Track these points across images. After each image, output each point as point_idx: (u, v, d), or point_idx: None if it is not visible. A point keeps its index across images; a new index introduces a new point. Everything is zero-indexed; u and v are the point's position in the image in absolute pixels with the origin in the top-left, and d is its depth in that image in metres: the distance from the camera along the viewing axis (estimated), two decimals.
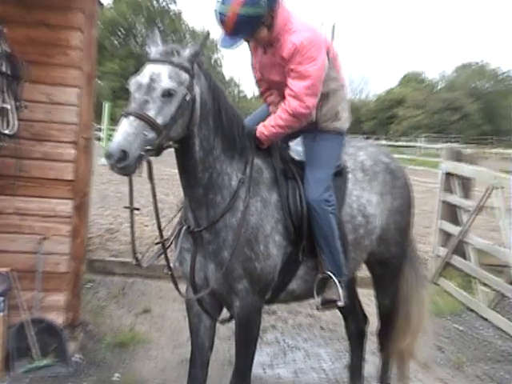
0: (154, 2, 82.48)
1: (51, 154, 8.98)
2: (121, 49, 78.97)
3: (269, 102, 7.07)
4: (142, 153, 5.47)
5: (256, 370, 8.47)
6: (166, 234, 6.61)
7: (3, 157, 8.63)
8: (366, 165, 7.30)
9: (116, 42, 78.18)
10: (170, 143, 5.79)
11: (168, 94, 5.68)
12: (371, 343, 8.25)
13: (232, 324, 6.57)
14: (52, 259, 8.99)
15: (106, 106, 40.85)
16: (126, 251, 13.43)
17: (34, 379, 8.26)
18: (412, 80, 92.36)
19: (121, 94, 64.50)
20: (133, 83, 5.71)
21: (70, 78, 9.01)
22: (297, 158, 6.82)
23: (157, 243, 6.73)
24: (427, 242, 14.53)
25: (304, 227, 6.51)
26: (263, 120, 6.73)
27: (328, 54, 6.59)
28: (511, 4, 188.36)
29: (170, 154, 6.13)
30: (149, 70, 5.75)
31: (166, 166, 20.80)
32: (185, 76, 5.79)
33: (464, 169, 13.49)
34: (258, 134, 6.60)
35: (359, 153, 7.38)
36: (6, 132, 8.34)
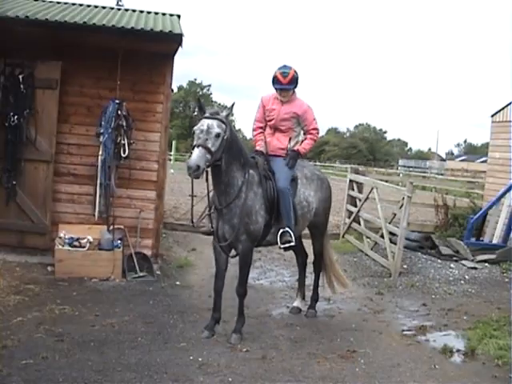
0: (198, 89, 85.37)
1: (145, 167, 9.50)
2: (182, 113, 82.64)
3: (257, 139, 7.42)
4: (204, 167, 6.03)
5: (249, 281, 8.63)
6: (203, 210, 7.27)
7: (122, 168, 9.19)
8: (308, 175, 7.55)
9: (180, 109, 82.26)
10: (215, 162, 6.20)
11: (217, 135, 6.14)
12: (309, 268, 8.23)
13: (236, 259, 6.91)
14: (145, 221, 9.53)
15: (173, 143, 47.73)
16: (183, 218, 13.53)
17: (136, 282, 8.82)
18: (332, 131, 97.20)
19: (182, 137, 73.81)
20: (197, 128, 6.16)
21: (155, 128, 9.47)
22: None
23: (201, 215, 7.34)
24: (340, 216, 14.78)
25: (275, 206, 6.82)
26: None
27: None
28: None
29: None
30: (205, 121, 6.16)
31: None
32: (223, 126, 6.22)
33: (359, 178, 14.02)
34: (301, 152, 7.27)
35: (304, 169, 7.59)
36: (123, 155, 8.97)
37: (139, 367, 5.65)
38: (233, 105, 6.63)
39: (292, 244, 6.96)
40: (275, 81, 7.14)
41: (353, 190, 14.03)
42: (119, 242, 9.04)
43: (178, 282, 9.07)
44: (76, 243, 8.87)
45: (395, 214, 11.78)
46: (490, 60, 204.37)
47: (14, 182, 9.03)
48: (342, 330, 7.39)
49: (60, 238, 8.92)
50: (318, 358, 6.31)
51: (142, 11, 10.70)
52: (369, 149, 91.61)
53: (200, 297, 8.34)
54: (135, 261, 9.05)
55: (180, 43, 8.67)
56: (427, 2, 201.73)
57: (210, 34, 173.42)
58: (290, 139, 7.32)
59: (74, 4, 10.59)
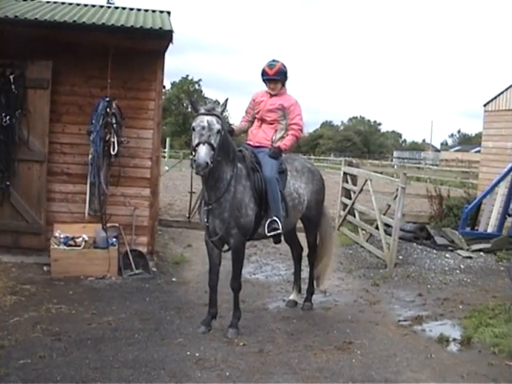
0: (190, 86, 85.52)
1: (139, 164, 9.51)
2: (175, 110, 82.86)
3: (243, 123, 7.57)
4: (210, 163, 6.03)
5: (245, 275, 9.11)
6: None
7: (114, 166, 9.15)
8: (298, 168, 7.55)
9: (173, 106, 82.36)
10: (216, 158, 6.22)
11: (218, 131, 6.17)
12: (304, 261, 8.28)
13: (229, 253, 6.91)
14: (140, 219, 9.52)
15: (167, 140, 48.02)
16: (178, 215, 13.61)
17: (132, 279, 8.82)
18: (326, 124, 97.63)
19: (176, 134, 74.86)
20: (197, 125, 6.15)
21: (148, 125, 9.47)
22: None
23: (192, 209, 7.16)
24: (335, 209, 14.51)
25: (263, 198, 6.82)
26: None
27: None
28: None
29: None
30: (204, 118, 6.16)
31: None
32: (220, 122, 6.24)
33: (353, 170, 14.03)
34: (282, 148, 7.18)
35: (294, 162, 7.62)
36: (113, 153, 8.94)
37: (136, 364, 5.67)
38: (226, 100, 6.61)
39: (279, 232, 6.94)
40: (263, 73, 7.28)
41: (347, 182, 14.03)
42: (114, 239, 9.04)
43: (174, 279, 9.09)
44: (71, 242, 8.88)
45: (390, 206, 11.86)
46: (482, 49, 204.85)
47: (8, 183, 9.00)
48: (338, 321, 7.40)
49: (55, 237, 8.93)
50: (314, 350, 6.33)
51: (132, 9, 10.69)
52: (363, 141, 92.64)
53: (196, 292, 8.34)
54: (131, 258, 9.05)
55: (170, 40, 8.68)
56: None
57: (202, 31, 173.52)
58: (275, 131, 7.33)
59: (63, 3, 10.58)
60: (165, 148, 43.16)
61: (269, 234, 6.97)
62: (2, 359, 5.56)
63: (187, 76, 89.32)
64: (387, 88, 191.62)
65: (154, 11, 10.51)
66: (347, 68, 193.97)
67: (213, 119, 6.20)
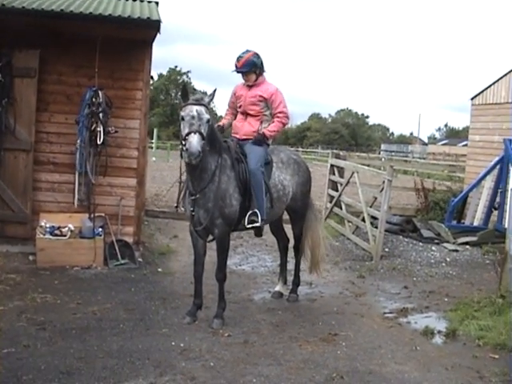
0: (178, 77, 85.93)
1: (125, 154, 9.47)
2: (163, 101, 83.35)
3: (227, 118, 7.57)
4: (201, 152, 6.03)
5: (231, 267, 9.19)
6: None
7: (102, 155, 9.07)
8: (284, 159, 7.53)
9: (161, 97, 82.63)
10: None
11: (207, 121, 6.18)
12: (290, 253, 8.26)
13: (214, 243, 6.91)
14: (126, 209, 9.50)
15: (154, 130, 49.68)
16: (164, 206, 13.63)
17: (118, 269, 8.84)
18: (314, 116, 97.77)
19: (163, 125, 76.42)
20: (187, 115, 6.14)
21: (135, 115, 9.43)
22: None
23: (177, 199, 7.20)
24: (322, 201, 14.54)
25: (248, 188, 6.79)
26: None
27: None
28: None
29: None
30: (193, 108, 6.15)
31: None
32: (208, 112, 6.26)
33: (340, 162, 14.05)
34: (267, 134, 7.14)
35: (280, 153, 7.59)
36: (99, 143, 8.89)
37: (121, 354, 5.65)
38: (214, 91, 6.63)
39: (257, 225, 6.92)
40: (234, 67, 7.19)
41: (334, 174, 14.05)
42: (100, 229, 9.03)
43: (159, 269, 9.09)
44: (57, 232, 8.83)
45: (376, 198, 11.81)
46: (470, 43, 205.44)
47: None
48: (323, 313, 7.42)
49: (41, 226, 8.88)
50: (299, 341, 6.34)
51: None
52: (351, 134, 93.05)
53: (182, 283, 8.35)
54: (117, 248, 9.04)
55: (158, 30, 8.60)
56: None
57: (190, 21, 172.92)
58: (261, 123, 7.28)
59: None
60: (152, 139, 43.37)
61: (248, 226, 6.95)
62: None
63: (176, 67, 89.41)
64: (375, 81, 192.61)
65: (142, 1, 10.36)
66: (336, 60, 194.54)
67: (202, 109, 6.20)
